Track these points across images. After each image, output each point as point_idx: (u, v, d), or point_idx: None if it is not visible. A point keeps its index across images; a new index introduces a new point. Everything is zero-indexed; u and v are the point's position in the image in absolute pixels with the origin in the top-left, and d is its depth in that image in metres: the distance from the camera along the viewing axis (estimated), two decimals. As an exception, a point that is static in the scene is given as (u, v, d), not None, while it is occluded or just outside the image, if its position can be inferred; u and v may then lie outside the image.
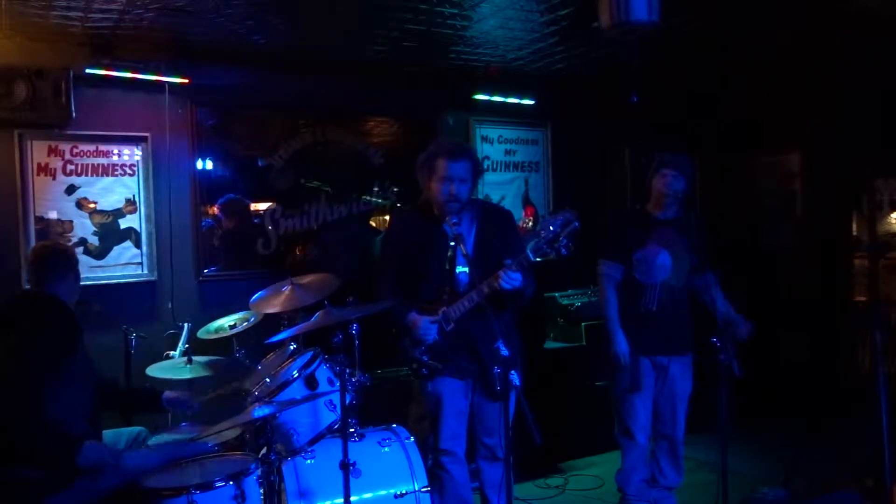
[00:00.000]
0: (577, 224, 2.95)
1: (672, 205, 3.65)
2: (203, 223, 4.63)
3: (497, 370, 2.61)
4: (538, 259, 3.03)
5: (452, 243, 3.21)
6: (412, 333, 3.23)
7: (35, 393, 2.62)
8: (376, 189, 5.12)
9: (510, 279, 3.02)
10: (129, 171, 4.40)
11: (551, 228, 2.98)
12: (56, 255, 3.04)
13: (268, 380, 3.13)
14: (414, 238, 3.32)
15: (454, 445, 3.29)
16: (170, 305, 4.45)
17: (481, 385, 3.29)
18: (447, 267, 3.25)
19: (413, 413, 3.98)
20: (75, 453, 2.65)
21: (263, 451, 2.78)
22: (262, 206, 4.84)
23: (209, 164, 4.66)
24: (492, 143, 5.64)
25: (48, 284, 2.94)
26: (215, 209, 4.69)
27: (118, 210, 4.38)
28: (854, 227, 5.87)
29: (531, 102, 5.63)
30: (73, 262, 3.08)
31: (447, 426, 3.27)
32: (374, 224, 5.26)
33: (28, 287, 3.09)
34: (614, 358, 3.65)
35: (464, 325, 3.18)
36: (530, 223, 5.72)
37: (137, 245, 4.43)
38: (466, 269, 3.21)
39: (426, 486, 3.06)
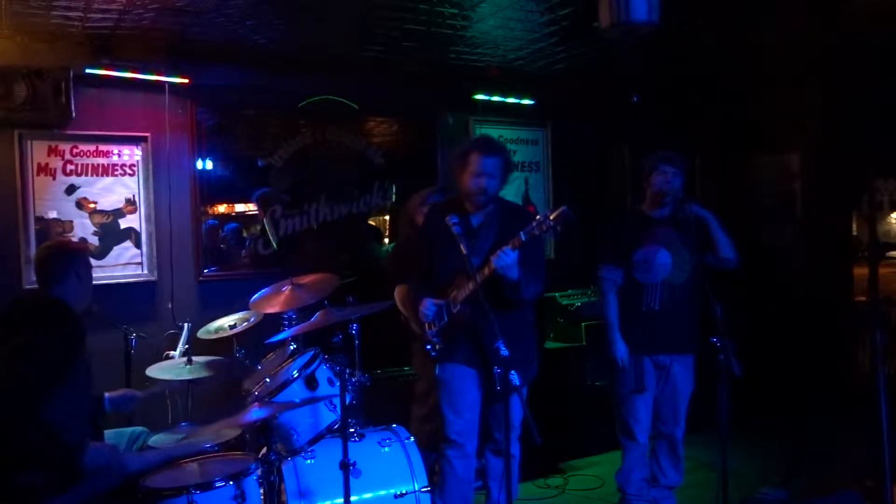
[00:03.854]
0: (566, 208, 3.01)
1: (669, 203, 3.66)
2: (207, 223, 4.66)
3: (497, 370, 2.62)
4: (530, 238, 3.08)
5: (449, 223, 3.23)
6: (419, 314, 3.29)
7: (37, 403, 2.59)
8: (376, 189, 5.13)
9: (502, 256, 3.05)
10: (129, 171, 4.40)
11: (545, 213, 3.07)
12: (55, 255, 2.93)
13: (268, 380, 3.14)
14: (437, 229, 3.36)
15: (463, 439, 3.27)
16: (170, 305, 4.45)
17: (487, 381, 3.32)
18: (465, 252, 3.24)
19: (415, 414, 3.98)
20: (80, 458, 2.66)
21: (263, 451, 2.78)
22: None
23: (209, 164, 4.66)
24: (492, 143, 5.63)
25: (50, 287, 2.87)
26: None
27: (118, 210, 4.38)
28: (854, 227, 5.87)
29: (531, 102, 5.63)
30: (75, 262, 2.93)
31: (456, 416, 3.27)
32: (373, 224, 5.26)
33: (35, 288, 2.96)
34: (614, 362, 3.68)
35: (470, 315, 3.21)
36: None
37: (137, 245, 4.43)
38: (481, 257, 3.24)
39: (426, 486, 3.06)
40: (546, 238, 3.13)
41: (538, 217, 3.07)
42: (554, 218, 2.99)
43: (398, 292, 4.03)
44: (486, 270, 3.09)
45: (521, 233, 3.08)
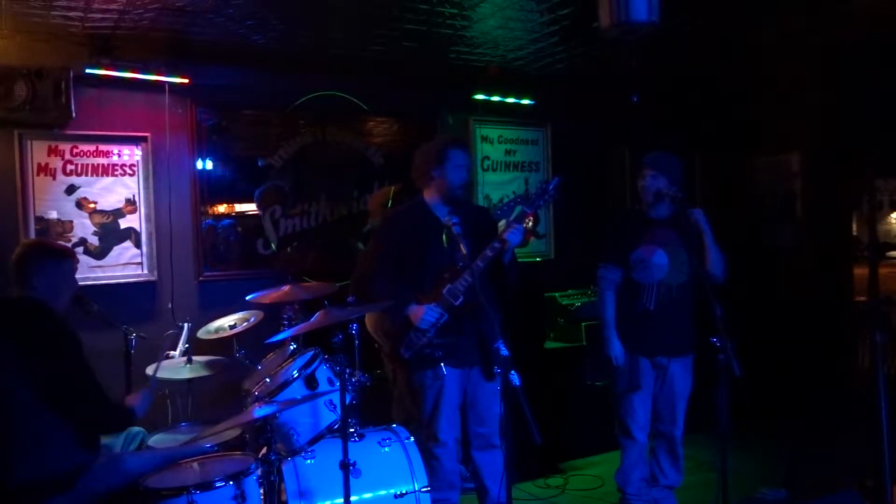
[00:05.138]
0: (557, 178, 3.35)
1: (658, 203, 3.66)
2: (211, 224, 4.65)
3: (497, 370, 2.63)
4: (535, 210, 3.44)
5: (450, 223, 3.26)
6: (415, 323, 3.28)
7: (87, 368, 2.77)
8: (376, 189, 5.12)
9: (514, 232, 3.22)
10: (129, 171, 4.40)
11: (541, 183, 3.38)
12: (27, 255, 2.85)
13: (268, 380, 3.14)
14: (413, 231, 3.41)
15: (448, 437, 3.37)
16: (170, 305, 4.45)
17: (481, 366, 3.37)
18: (447, 247, 3.32)
19: (395, 418, 3.98)
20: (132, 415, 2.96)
21: (263, 451, 2.78)
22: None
23: (209, 164, 4.66)
24: (492, 143, 5.64)
25: (24, 289, 2.80)
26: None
27: (118, 210, 4.38)
28: (854, 227, 5.86)
29: (531, 102, 5.63)
30: (46, 259, 2.84)
31: (446, 418, 3.34)
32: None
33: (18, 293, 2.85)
34: (608, 361, 3.70)
35: (473, 303, 3.23)
36: (530, 223, 5.72)
37: (137, 245, 4.43)
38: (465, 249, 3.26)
39: (426, 486, 3.06)
40: (542, 204, 3.43)
41: (534, 191, 3.36)
42: (554, 187, 3.29)
43: (369, 318, 4.04)
44: (489, 254, 3.19)
45: (526, 208, 3.23)
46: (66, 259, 2.97)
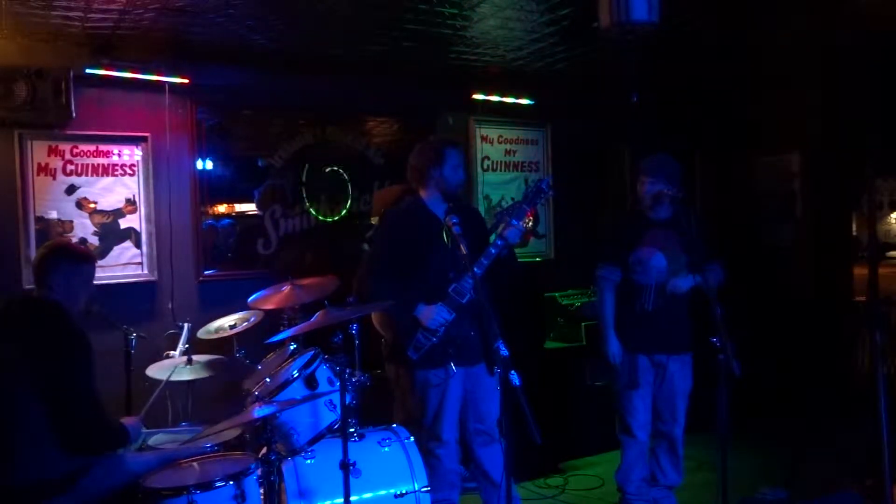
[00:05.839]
0: (549, 177, 3.65)
1: (657, 205, 3.67)
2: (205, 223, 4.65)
3: (497, 370, 2.64)
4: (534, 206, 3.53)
5: (450, 222, 3.26)
6: (425, 324, 3.29)
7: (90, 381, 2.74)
8: (376, 189, 5.12)
9: (514, 230, 3.30)
10: (129, 171, 4.40)
11: (536, 183, 3.45)
12: (42, 257, 2.87)
13: (268, 380, 3.14)
14: (413, 230, 3.42)
15: (450, 436, 3.38)
16: (170, 305, 4.45)
17: (485, 362, 3.39)
18: (449, 246, 3.34)
19: (397, 418, 3.98)
20: (127, 437, 2.86)
21: (263, 451, 2.78)
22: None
23: (209, 164, 4.66)
24: (492, 143, 5.64)
25: (43, 289, 2.83)
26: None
27: (118, 210, 4.38)
28: (854, 227, 5.86)
29: (531, 102, 5.63)
30: (58, 263, 2.84)
31: (449, 417, 3.36)
32: (374, 223, 5.25)
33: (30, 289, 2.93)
34: (606, 359, 3.73)
35: (473, 298, 3.28)
36: (530, 223, 5.73)
37: (137, 245, 4.43)
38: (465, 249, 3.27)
39: (426, 486, 3.07)
40: (544, 205, 3.48)
41: (530, 190, 3.46)
42: (548, 185, 3.42)
43: (375, 314, 4.04)
44: (493, 251, 3.24)
45: (525, 205, 3.30)
46: (86, 262, 2.98)
